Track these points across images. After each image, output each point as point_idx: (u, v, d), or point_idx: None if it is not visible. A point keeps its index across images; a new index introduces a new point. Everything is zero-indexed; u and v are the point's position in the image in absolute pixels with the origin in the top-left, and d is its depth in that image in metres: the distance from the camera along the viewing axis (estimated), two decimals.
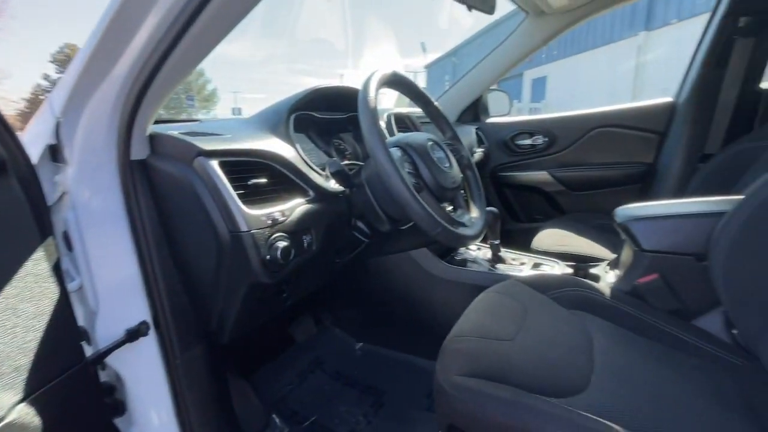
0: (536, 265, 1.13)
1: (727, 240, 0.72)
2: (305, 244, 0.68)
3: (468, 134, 1.71)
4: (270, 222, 0.61)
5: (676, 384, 0.63)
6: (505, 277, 1.08)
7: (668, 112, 1.52)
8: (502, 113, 1.98)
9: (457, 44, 20.31)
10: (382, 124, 1.07)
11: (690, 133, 1.45)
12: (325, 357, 1.26)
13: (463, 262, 1.15)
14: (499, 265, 1.13)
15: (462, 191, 1.15)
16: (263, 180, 0.64)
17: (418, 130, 1.22)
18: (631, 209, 0.94)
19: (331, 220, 0.75)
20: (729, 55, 1.32)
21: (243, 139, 0.65)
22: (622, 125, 1.60)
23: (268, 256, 0.60)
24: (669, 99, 1.53)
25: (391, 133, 1.04)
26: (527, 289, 0.90)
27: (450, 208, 0.84)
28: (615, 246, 1.27)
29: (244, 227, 0.57)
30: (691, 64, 1.45)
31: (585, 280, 0.92)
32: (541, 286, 0.90)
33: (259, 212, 0.60)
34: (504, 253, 1.19)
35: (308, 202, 0.71)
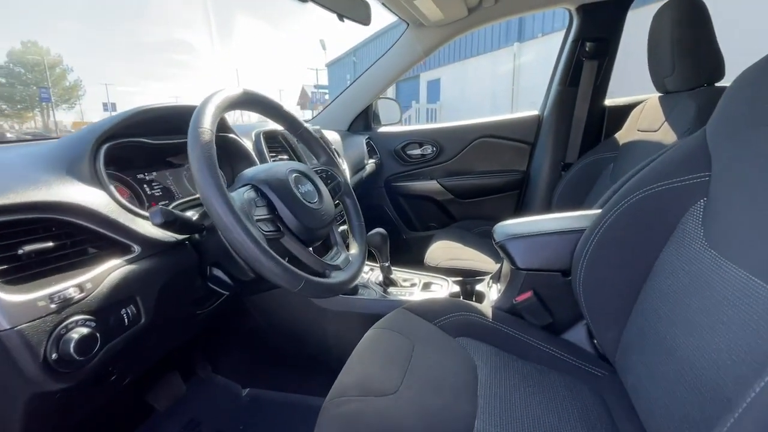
0: (426, 286, 1.11)
1: (585, 256, 0.76)
2: (126, 319, 0.52)
3: (358, 144, 1.65)
4: (55, 306, 0.44)
5: (549, 408, 0.65)
6: (396, 304, 1.03)
7: (535, 124, 1.66)
8: (393, 121, 1.97)
9: (357, 43, 20.47)
10: (248, 145, 0.93)
11: (553, 144, 1.60)
12: (204, 415, 1.07)
13: (354, 290, 1.07)
14: (391, 289, 1.09)
15: (340, 223, 1.08)
16: (46, 245, 0.46)
17: (293, 152, 1.09)
18: (507, 227, 0.97)
19: (171, 276, 0.59)
20: (579, 74, 1.48)
21: (9, 187, 0.46)
22: (499, 136, 1.70)
23: (54, 355, 0.43)
24: (535, 112, 1.68)
25: (261, 158, 0.91)
26: (415, 319, 0.86)
27: (328, 247, 0.75)
28: (496, 255, 1.33)
29: (2, 324, 0.40)
30: (551, 81, 1.60)
31: (469, 303, 0.91)
32: (429, 313, 0.88)
33: (31, 296, 0.43)
34: (396, 273, 1.15)
35: (130, 261, 0.54)
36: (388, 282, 1.10)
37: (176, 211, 0.53)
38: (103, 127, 0.60)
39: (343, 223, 0.88)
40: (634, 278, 0.69)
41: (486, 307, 0.91)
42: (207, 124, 0.52)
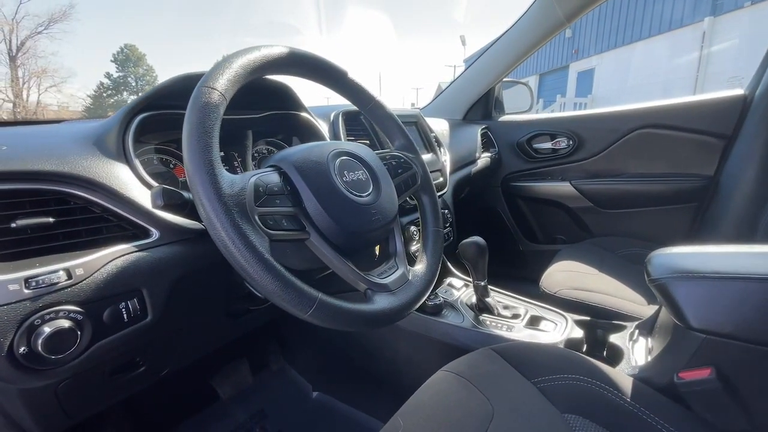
0: (535, 321, 0.82)
1: None
2: (126, 315, 0.44)
3: (472, 135, 1.41)
4: (30, 292, 0.37)
5: None
6: (487, 339, 0.79)
7: (738, 109, 1.14)
8: (523, 110, 1.65)
9: (497, 37, 19.37)
10: (324, 128, 0.81)
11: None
12: (271, 408, 1.03)
13: (438, 309, 0.87)
14: (485, 317, 0.84)
15: (412, 227, 0.87)
16: (44, 220, 0.41)
17: (376, 137, 0.92)
18: (674, 257, 0.62)
19: (191, 270, 0.50)
20: None
21: (20, 156, 0.42)
22: (672, 126, 1.23)
23: (23, 349, 0.37)
24: (740, 91, 1.15)
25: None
26: (507, 370, 0.62)
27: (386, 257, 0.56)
28: (650, 293, 0.93)
29: None
30: None
31: (594, 362, 0.61)
32: (529, 365, 0.62)
33: (3, 278, 0.37)
34: (495, 296, 0.89)
35: (143, 247, 0.46)
36: (482, 306, 0.86)
37: (186, 194, 0.43)
38: (138, 99, 0.54)
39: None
40: None
41: (623, 376, 0.60)
42: (219, 83, 0.40)
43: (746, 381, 0.52)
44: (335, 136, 0.80)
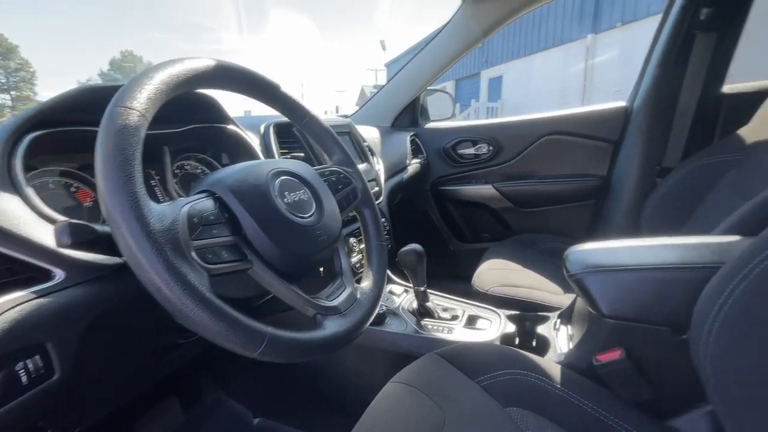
0: (472, 320, 0.87)
1: (718, 311, 0.49)
2: (26, 377, 0.37)
3: (401, 142, 1.45)
4: None
5: None
6: (431, 343, 0.82)
7: (622, 118, 1.33)
8: (445, 116, 1.74)
9: (418, 41, 20.24)
10: (254, 141, 0.76)
11: (646, 143, 1.26)
12: None
13: (381, 318, 0.87)
14: (426, 321, 0.87)
15: (351, 239, 0.87)
16: None
17: (311, 150, 0.90)
18: (587, 253, 0.70)
19: (109, 309, 0.44)
20: (689, 52, 1.14)
21: None
22: (573, 132, 1.40)
23: None
24: (622, 103, 1.35)
25: (269, 157, 0.74)
26: (452, 373, 0.65)
27: (332, 277, 0.55)
28: (566, 284, 1.05)
29: None
30: (646, 63, 1.26)
31: (527, 355, 0.67)
32: (471, 366, 0.65)
33: None
34: (434, 299, 0.93)
35: (43, 293, 0.39)
36: (423, 311, 0.89)
37: (98, 226, 0.37)
38: (27, 113, 0.46)
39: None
40: None
41: (551, 364, 0.66)
42: (138, 102, 0.35)
43: (648, 357, 0.61)
44: (267, 149, 0.76)
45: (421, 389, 0.61)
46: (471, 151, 1.54)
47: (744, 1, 1.07)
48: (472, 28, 1.30)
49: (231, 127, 0.71)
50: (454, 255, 1.67)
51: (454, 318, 0.88)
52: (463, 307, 0.93)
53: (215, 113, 0.69)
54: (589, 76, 10.09)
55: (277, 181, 0.47)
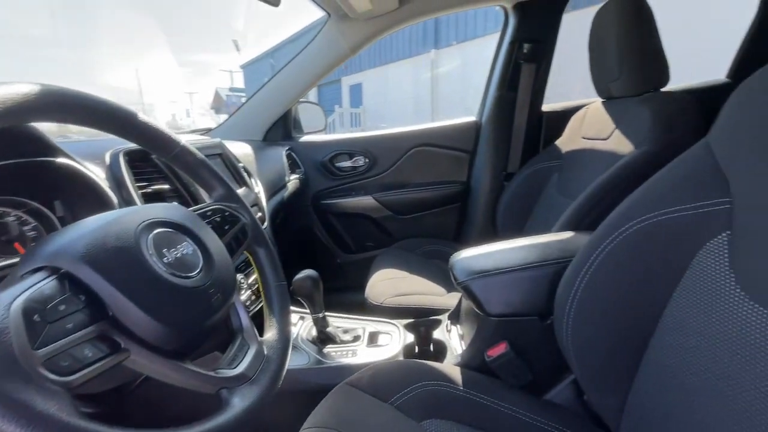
0: (373, 338, 0.88)
1: (572, 298, 0.60)
2: None
3: (277, 158, 1.37)
4: None
5: None
6: (338, 373, 0.79)
7: (474, 131, 1.54)
8: (317, 129, 1.72)
9: (276, 44, 19.58)
10: (99, 174, 0.61)
11: (493, 153, 1.49)
12: None
13: None
14: (329, 349, 0.84)
15: (240, 276, 0.80)
16: None
17: (178, 181, 0.76)
18: (469, 260, 0.78)
19: None
20: (518, 79, 1.39)
21: None
22: (437, 144, 1.55)
23: None
24: (473, 119, 1.56)
25: (122, 194, 0.60)
26: (365, 401, 0.64)
27: (231, 335, 0.47)
28: (448, 284, 1.16)
29: None
30: (488, 86, 1.49)
31: (431, 366, 0.71)
32: (383, 389, 0.65)
33: None
34: (333, 322, 0.91)
35: None
36: (323, 338, 0.85)
37: None
38: None
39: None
40: (637, 331, 0.54)
41: (451, 368, 0.71)
42: None
43: (526, 345, 0.71)
44: (118, 185, 0.61)
45: (338, 428, 0.58)
46: (348, 163, 1.56)
47: (551, 39, 1.35)
48: (339, 44, 1.32)
49: (62, 160, 0.54)
50: (342, 267, 1.67)
51: (356, 339, 0.87)
52: (362, 325, 0.93)
53: (37, 143, 0.52)
54: (435, 86, 11.44)
55: (150, 237, 0.38)
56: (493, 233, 1.53)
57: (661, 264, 0.52)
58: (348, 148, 1.55)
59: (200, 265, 0.41)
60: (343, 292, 1.55)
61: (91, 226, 0.35)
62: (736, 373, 0.41)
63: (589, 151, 1.11)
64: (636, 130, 0.95)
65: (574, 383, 0.69)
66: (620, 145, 0.98)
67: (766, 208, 0.42)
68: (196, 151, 0.53)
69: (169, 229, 0.40)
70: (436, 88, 11.40)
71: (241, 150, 1.21)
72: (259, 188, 1.05)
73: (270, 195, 1.14)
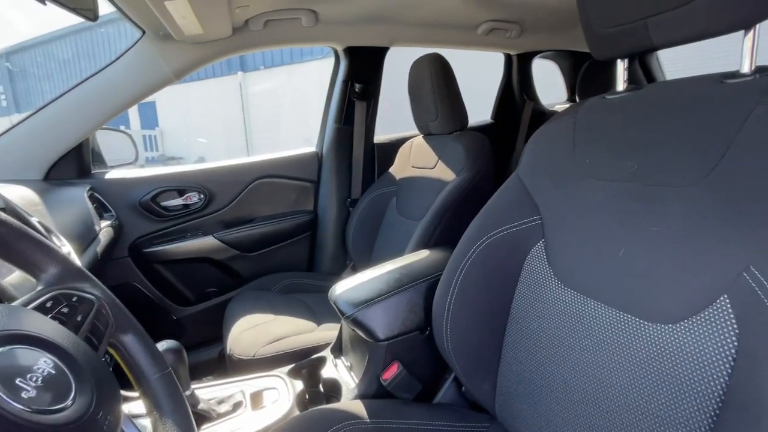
0: (257, 399, 0.79)
1: (448, 307, 0.71)
2: None
3: (75, 202, 1.05)
4: None
5: None
6: None
7: (316, 162, 1.58)
8: (127, 161, 1.42)
9: (12, 45, 14.75)
10: None
11: (336, 182, 1.57)
12: None
13: None
14: (206, 428, 0.70)
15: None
16: None
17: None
18: (350, 292, 0.81)
19: None
20: (352, 114, 1.51)
21: None
22: (281, 175, 1.52)
23: None
24: (313, 149, 1.60)
25: None
26: None
27: None
28: (313, 317, 1.15)
29: None
30: (325, 119, 1.57)
31: (333, 409, 0.69)
32: None
33: None
34: (203, 395, 0.76)
35: None
36: (197, 418, 0.70)
37: None
38: None
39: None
40: (497, 324, 0.69)
41: (353, 405, 0.72)
42: None
43: (413, 359, 0.78)
44: None
45: None
46: (179, 201, 1.34)
47: (377, 80, 1.54)
48: (159, 66, 1.13)
49: None
50: (180, 323, 1.40)
51: (237, 405, 0.76)
52: (239, 387, 0.82)
53: None
54: (246, 107, 11.02)
55: None
56: (344, 257, 1.60)
57: (505, 269, 0.68)
58: (178, 184, 1.34)
59: (72, 388, 0.29)
60: (189, 353, 1.31)
61: None
62: (565, 340, 0.57)
63: (419, 178, 1.32)
64: (454, 161, 1.19)
65: (455, 381, 0.79)
66: (444, 173, 1.21)
67: (562, 222, 0.61)
68: (9, 218, 0.37)
69: (21, 346, 0.27)
70: (248, 110, 11.00)
71: (17, 194, 0.88)
72: (67, 248, 0.78)
73: (81, 253, 0.87)
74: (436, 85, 1.20)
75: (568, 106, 2.05)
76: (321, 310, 1.19)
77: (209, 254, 1.40)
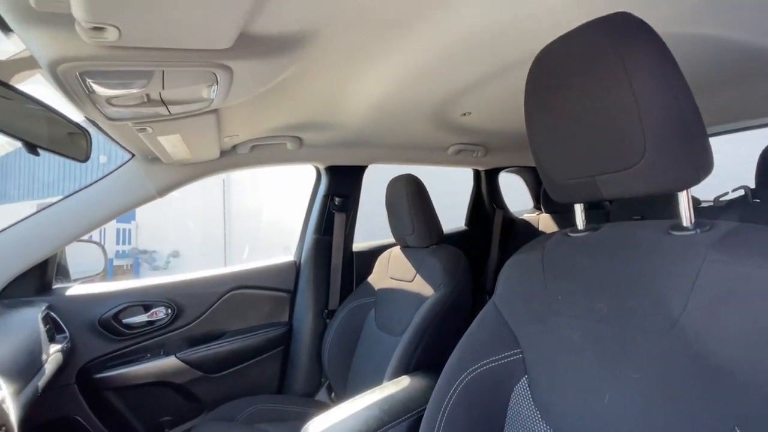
0: None
1: None
2: None
3: (27, 327, 0.97)
4: None
5: None
6: None
7: (294, 271, 1.57)
8: (94, 273, 1.36)
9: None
10: None
11: (314, 291, 1.54)
12: None
13: None
14: None
15: None
16: None
17: None
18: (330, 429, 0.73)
19: None
20: (332, 225, 1.56)
21: None
22: (256, 285, 1.48)
23: None
24: (291, 259, 1.60)
25: None
26: None
27: None
28: None
29: None
30: (304, 230, 1.60)
31: None
32: None
33: None
34: None
35: None
36: None
37: None
38: None
39: None
40: None
41: None
42: None
43: None
44: None
45: None
46: (143, 318, 1.26)
47: (356, 195, 1.62)
48: (145, 185, 1.17)
49: None
50: None
51: None
52: None
53: None
54: (227, 194, 11.23)
55: None
56: (319, 375, 1.48)
57: (491, 408, 0.64)
58: (143, 298, 1.27)
59: None
60: None
61: None
62: None
63: (398, 290, 1.31)
64: (432, 276, 1.20)
65: None
66: (423, 287, 1.21)
67: (544, 359, 0.60)
68: None
69: None
70: (228, 198, 11.19)
71: None
72: (3, 391, 0.69)
73: (20, 392, 0.77)
74: (411, 203, 1.27)
75: (535, 214, 2.20)
76: None
77: (168, 377, 1.26)
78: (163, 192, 1.20)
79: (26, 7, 0.42)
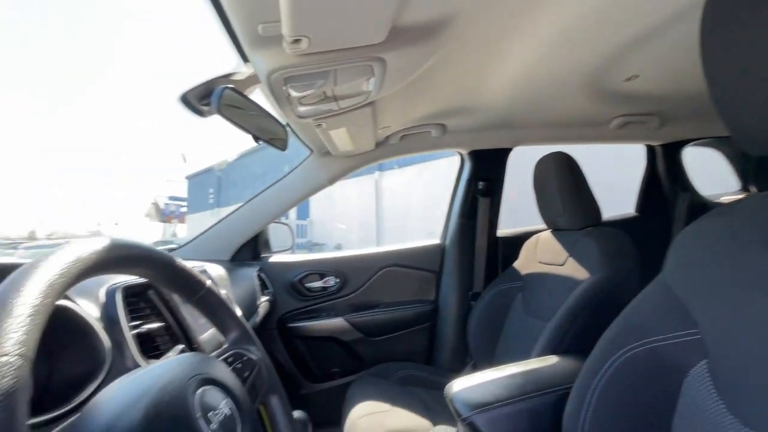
0: None
1: (581, 425, 0.61)
2: None
3: (248, 279, 1.33)
4: None
5: None
6: None
7: (439, 253, 1.65)
8: (285, 248, 1.73)
9: (224, 159, 20.34)
10: (94, 312, 0.56)
11: (459, 273, 1.59)
12: None
13: None
14: None
15: None
16: None
17: (174, 316, 0.72)
18: (468, 392, 0.77)
19: None
20: (476, 210, 1.58)
21: None
22: (406, 265, 1.62)
23: None
24: (437, 241, 1.69)
25: (114, 335, 0.54)
26: None
27: None
28: (428, 413, 1.10)
29: None
30: (449, 213, 1.67)
31: None
32: None
33: None
34: None
35: None
36: None
37: None
38: None
39: None
40: None
41: None
42: (9, 343, 0.22)
43: None
44: (111, 324, 0.56)
45: None
46: (319, 284, 1.55)
47: (500, 178, 1.60)
48: (319, 175, 1.44)
49: (62, 303, 0.50)
50: (307, 399, 1.51)
51: None
52: None
53: None
54: (379, 200, 12.34)
55: (196, 399, 0.34)
56: (464, 353, 1.53)
57: (656, 390, 0.57)
58: (320, 268, 1.56)
59: (238, 430, 0.37)
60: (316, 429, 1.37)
61: (141, 384, 0.32)
62: None
63: (548, 275, 1.24)
64: (587, 259, 1.10)
65: None
66: (576, 271, 1.12)
67: (733, 344, 0.50)
68: (219, 293, 0.52)
69: (209, 386, 0.37)
70: (380, 205, 12.27)
71: (215, 271, 1.17)
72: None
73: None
74: (563, 183, 1.18)
75: (742, 197, 1.72)
76: (437, 408, 1.14)
77: (338, 335, 1.52)
78: (332, 180, 1.45)
79: (255, 36, 0.60)
